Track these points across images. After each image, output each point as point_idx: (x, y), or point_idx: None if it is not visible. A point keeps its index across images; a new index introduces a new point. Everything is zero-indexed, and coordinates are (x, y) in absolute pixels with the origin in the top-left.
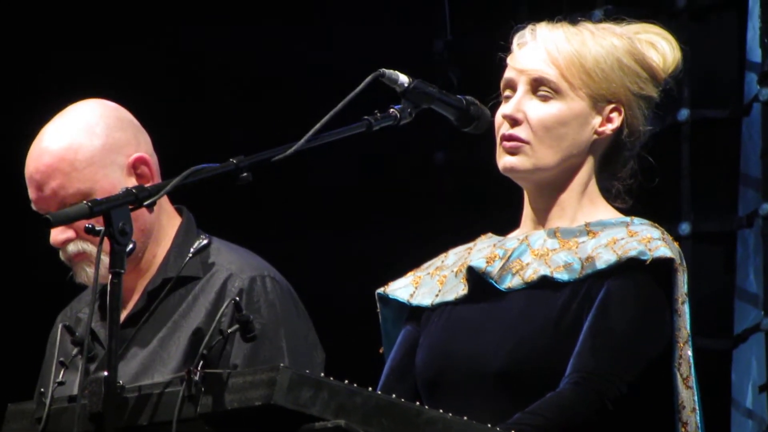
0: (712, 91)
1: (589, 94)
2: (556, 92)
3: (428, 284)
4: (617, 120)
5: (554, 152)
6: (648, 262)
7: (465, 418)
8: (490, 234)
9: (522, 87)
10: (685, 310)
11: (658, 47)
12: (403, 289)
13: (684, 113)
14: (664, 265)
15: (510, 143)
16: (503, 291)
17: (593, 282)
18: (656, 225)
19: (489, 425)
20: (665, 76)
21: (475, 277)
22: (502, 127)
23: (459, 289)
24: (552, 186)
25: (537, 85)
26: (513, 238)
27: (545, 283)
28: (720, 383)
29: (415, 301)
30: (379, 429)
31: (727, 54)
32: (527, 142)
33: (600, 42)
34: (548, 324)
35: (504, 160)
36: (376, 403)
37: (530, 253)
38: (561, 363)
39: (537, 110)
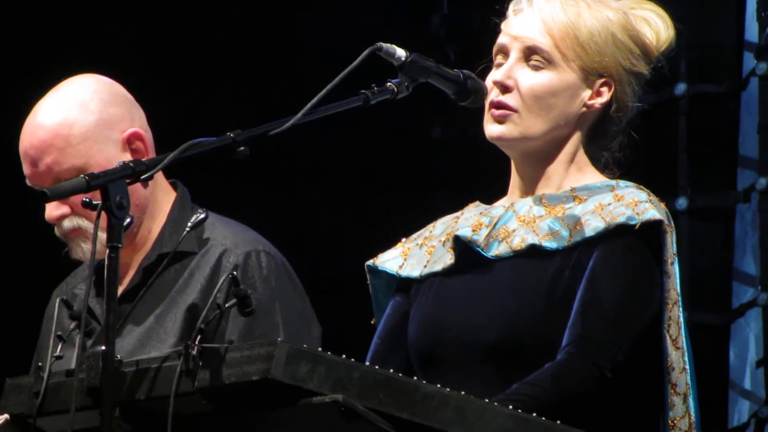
0: (710, 65)
1: (581, 67)
2: (548, 62)
3: (417, 255)
4: (607, 94)
5: (542, 122)
6: (637, 227)
7: (462, 392)
8: (477, 202)
9: (514, 54)
10: (674, 270)
11: (652, 24)
12: (392, 260)
13: (681, 88)
14: (652, 228)
15: (498, 111)
16: (491, 259)
17: (583, 250)
18: (642, 187)
19: (484, 398)
20: (657, 53)
21: (461, 245)
22: (491, 93)
23: (446, 258)
24: (539, 155)
25: (530, 54)
26: (499, 206)
27: (534, 251)
28: (717, 358)
29: (404, 273)
30: (377, 403)
31: (724, 28)
32: (516, 110)
33: (595, 14)
34: (540, 294)
35: (491, 128)
36: (373, 377)
37: (516, 219)
38: (554, 333)
39: (528, 79)
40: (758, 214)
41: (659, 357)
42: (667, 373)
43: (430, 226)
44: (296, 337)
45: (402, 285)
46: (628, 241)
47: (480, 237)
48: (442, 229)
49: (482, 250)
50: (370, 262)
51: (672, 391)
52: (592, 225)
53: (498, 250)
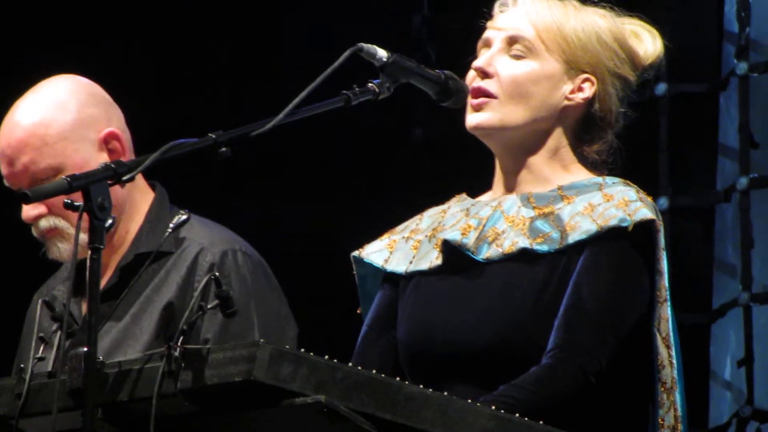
0: (690, 65)
1: (563, 59)
2: (530, 51)
3: (403, 249)
4: (588, 90)
5: (522, 109)
6: (630, 229)
7: (445, 393)
8: (464, 195)
9: (497, 44)
10: (664, 266)
11: (641, 36)
12: (377, 253)
13: (662, 87)
14: (645, 227)
15: (477, 100)
16: (481, 262)
17: (573, 253)
18: (629, 183)
19: (470, 400)
20: (645, 64)
21: (450, 248)
22: (473, 82)
23: (432, 257)
24: (521, 148)
25: (512, 43)
26: (485, 205)
27: (524, 254)
28: (699, 358)
29: (389, 267)
30: (359, 404)
31: (704, 28)
32: (495, 96)
33: (582, 16)
34: (531, 298)
35: (470, 118)
36: (356, 378)
37: (504, 219)
38: (544, 338)
39: (509, 66)
40: (739, 213)
41: (648, 356)
42: (657, 371)
43: (416, 218)
44: (272, 336)
45: (389, 276)
46: (617, 244)
47: (470, 240)
48: (428, 222)
49: (472, 253)
50: (355, 253)
51: (662, 389)
52: (584, 227)
53: (488, 252)
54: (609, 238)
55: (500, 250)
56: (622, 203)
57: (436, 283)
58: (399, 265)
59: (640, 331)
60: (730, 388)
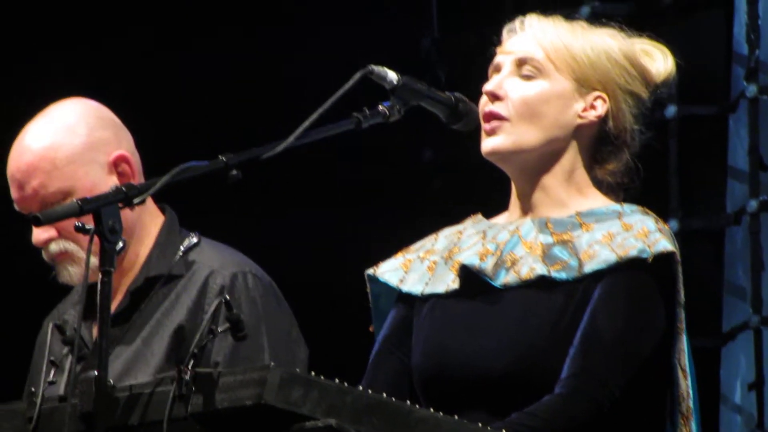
0: (699, 87)
1: (573, 78)
2: (539, 71)
3: (418, 270)
4: (601, 108)
5: (536, 130)
6: (650, 260)
7: (456, 417)
8: (480, 216)
9: (507, 68)
10: (682, 297)
11: (653, 55)
12: (392, 272)
13: (671, 110)
14: (664, 259)
15: (490, 124)
16: (498, 287)
17: (590, 281)
18: (647, 210)
19: (481, 425)
20: (657, 81)
21: (467, 272)
22: (485, 107)
23: (449, 279)
24: (536, 170)
25: (521, 65)
26: (503, 229)
27: (542, 282)
28: (709, 381)
29: (404, 288)
30: (370, 428)
31: (713, 50)
32: (507, 119)
33: (590, 35)
34: (549, 326)
35: (484, 144)
36: (366, 402)
37: (522, 245)
38: (560, 366)
39: (519, 88)
40: (749, 235)
41: (663, 386)
42: (678, 403)
43: (431, 238)
44: (282, 359)
45: (404, 296)
46: (635, 275)
47: (488, 265)
48: (444, 243)
49: (490, 278)
50: (369, 271)
51: (682, 422)
52: (602, 257)
53: (506, 278)
54: (627, 268)
55: (518, 276)
56: (641, 234)
57: (453, 307)
58: (414, 286)
59: (656, 362)
60: (741, 411)
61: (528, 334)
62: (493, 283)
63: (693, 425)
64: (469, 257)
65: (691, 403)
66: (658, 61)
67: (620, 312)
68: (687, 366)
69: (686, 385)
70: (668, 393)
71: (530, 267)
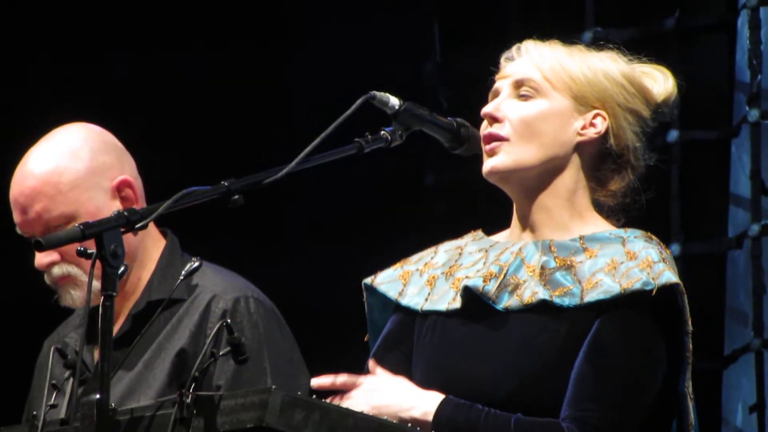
0: (702, 112)
1: (571, 96)
2: (537, 91)
3: (417, 283)
4: (601, 125)
5: (535, 148)
6: (653, 293)
7: None
8: (480, 233)
9: (505, 91)
10: (690, 327)
11: (652, 75)
12: (391, 284)
13: (673, 134)
14: (669, 292)
15: (490, 145)
16: (500, 311)
17: (592, 311)
18: (650, 236)
19: None
20: (657, 100)
21: (470, 293)
22: (484, 130)
23: (449, 297)
24: (537, 188)
25: (519, 86)
26: (505, 249)
27: (545, 307)
28: (710, 404)
29: (403, 301)
30: None
31: (715, 75)
32: (506, 139)
33: (587, 57)
34: (549, 352)
35: (485, 164)
36: (367, 425)
37: (525, 269)
38: (561, 390)
39: (517, 108)
40: (751, 259)
41: (672, 415)
42: (686, 431)
43: (431, 251)
44: (284, 382)
45: (403, 307)
46: (639, 313)
47: (491, 289)
48: (444, 258)
49: (493, 302)
50: (367, 280)
51: None
52: (606, 286)
53: (509, 302)
54: (630, 304)
55: (520, 300)
56: (645, 264)
57: (455, 329)
58: (413, 299)
59: (661, 396)
60: None
61: (530, 360)
62: (495, 307)
63: None
64: (473, 279)
65: (695, 428)
66: (658, 81)
67: (623, 361)
68: (692, 395)
69: (694, 412)
70: (677, 421)
71: (532, 291)
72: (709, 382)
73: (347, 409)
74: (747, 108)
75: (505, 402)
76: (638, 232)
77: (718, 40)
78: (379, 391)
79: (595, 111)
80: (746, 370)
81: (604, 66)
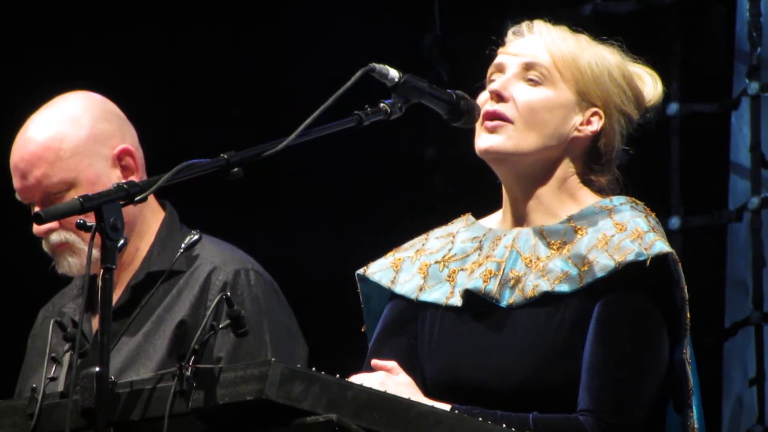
0: (701, 85)
1: (576, 90)
2: (545, 78)
3: (409, 270)
4: (597, 124)
5: (536, 137)
6: (647, 263)
7: (456, 412)
8: (470, 217)
9: (512, 69)
10: (686, 294)
11: (644, 79)
12: (383, 272)
13: (673, 107)
14: (663, 261)
15: (492, 122)
16: (503, 307)
17: (594, 290)
18: (635, 201)
19: (481, 419)
20: (647, 105)
21: (471, 294)
22: (486, 105)
23: (446, 291)
24: (529, 176)
25: (528, 69)
26: (499, 243)
27: (547, 298)
28: (711, 376)
29: (396, 289)
30: (371, 423)
31: (715, 48)
32: (511, 122)
33: (594, 50)
34: (555, 343)
35: (482, 139)
36: (367, 397)
37: (521, 260)
38: (570, 377)
39: (525, 92)
40: (751, 232)
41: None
42: (687, 397)
43: (422, 238)
44: (283, 354)
45: (399, 295)
46: (637, 292)
47: (493, 288)
48: (436, 245)
49: (496, 300)
50: (360, 271)
51: (690, 413)
52: (601, 263)
53: (512, 298)
54: (627, 281)
55: (522, 295)
56: (635, 235)
57: (460, 326)
58: (406, 287)
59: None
60: (742, 406)
61: (538, 350)
62: (499, 305)
63: (695, 409)
64: (473, 281)
65: (692, 385)
66: (649, 85)
67: (627, 345)
68: (692, 361)
69: (693, 376)
70: (677, 388)
71: (533, 284)
72: (710, 355)
73: (347, 381)
74: (747, 80)
75: (515, 392)
76: (623, 199)
77: (717, 12)
78: (395, 386)
79: (594, 109)
80: (746, 342)
81: (609, 64)
